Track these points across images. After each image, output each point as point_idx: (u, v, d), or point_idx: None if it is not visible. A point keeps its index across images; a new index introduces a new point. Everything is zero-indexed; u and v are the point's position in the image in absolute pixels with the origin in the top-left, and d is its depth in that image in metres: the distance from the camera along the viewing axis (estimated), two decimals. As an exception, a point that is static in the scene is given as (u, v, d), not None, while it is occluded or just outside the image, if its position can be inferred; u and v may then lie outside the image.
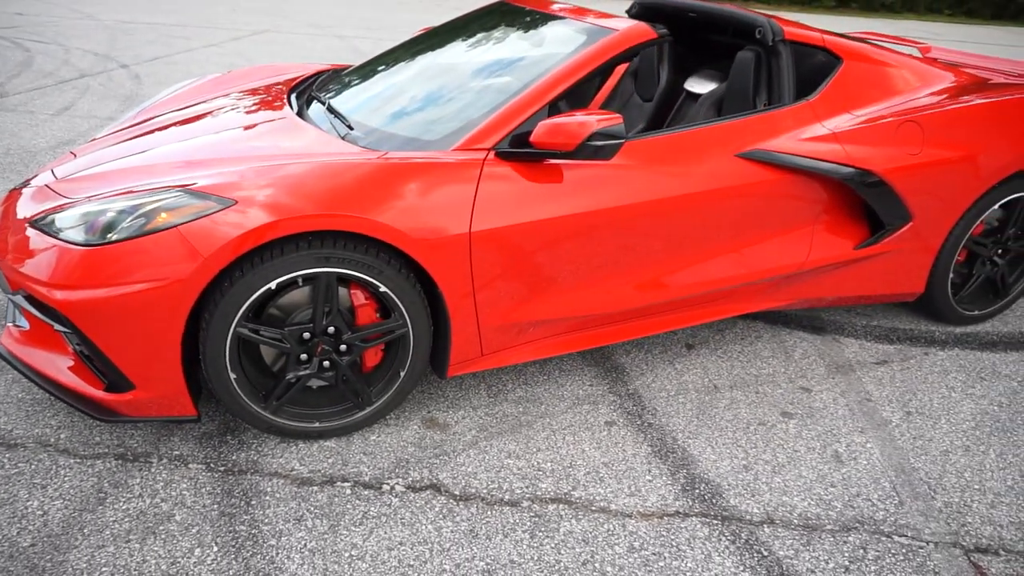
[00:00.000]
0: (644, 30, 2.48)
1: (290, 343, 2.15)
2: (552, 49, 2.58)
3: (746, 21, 2.79)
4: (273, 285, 2.04)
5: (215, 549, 1.92)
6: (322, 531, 1.99)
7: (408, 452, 2.30)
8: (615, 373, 2.76)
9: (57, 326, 2.07)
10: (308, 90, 2.97)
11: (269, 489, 2.13)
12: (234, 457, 2.24)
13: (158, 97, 3.23)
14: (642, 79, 3.57)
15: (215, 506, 2.05)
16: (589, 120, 2.10)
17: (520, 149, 2.22)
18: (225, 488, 2.12)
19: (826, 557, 2.00)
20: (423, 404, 2.52)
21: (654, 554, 1.98)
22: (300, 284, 2.11)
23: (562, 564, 1.93)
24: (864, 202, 2.77)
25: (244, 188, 2.02)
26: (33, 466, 2.15)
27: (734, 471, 2.30)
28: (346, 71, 3.19)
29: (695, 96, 3.24)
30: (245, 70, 3.44)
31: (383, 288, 2.15)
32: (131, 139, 2.68)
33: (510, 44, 2.80)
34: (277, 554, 1.91)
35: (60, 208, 2.18)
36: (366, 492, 2.14)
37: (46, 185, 2.40)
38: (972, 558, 2.01)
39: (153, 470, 2.17)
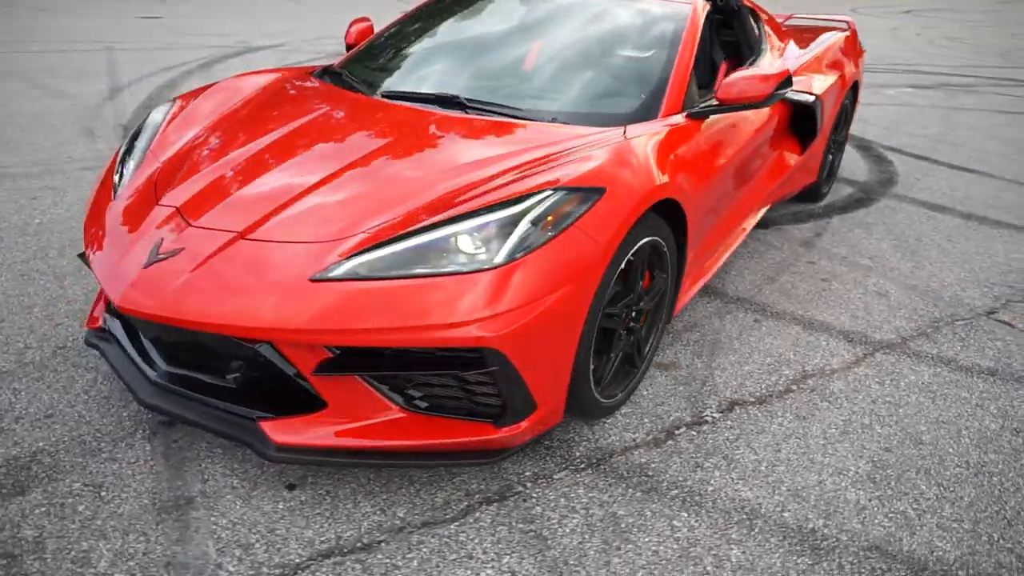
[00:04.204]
0: (707, 4, 3.00)
1: (623, 319, 2.21)
2: (633, 18, 2.93)
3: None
4: (623, 264, 2.10)
5: (703, 517, 1.99)
6: (727, 467, 2.20)
7: (681, 391, 2.55)
8: (705, 290, 3.30)
9: (458, 373, 1.79)
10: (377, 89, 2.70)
11: (644, 461, 2.20)
12: (577, 453, 2.22)
13: (159, 126, 2.54)
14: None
15: (635, 491, 2.07)
16: (774, 73, 2.57)
17: (712, 107, 2.59)
18: (616, 476, 2.13)
19: (955, 344, 2.95)
20: (638, 356, 2.74)
21: (892, 381, 2.68)
22: (632, 259, 2.18)
23: (865, 409, 2.50)
24: (788, 121, 3.78)
25: (600, 174, 2.01)
26: (426, 551, 1.84)
27: (852, 320, 3.10)
28: (390, 60, 2.94)
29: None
30: (232, 85, 2.84)
31: (665, 248, 2.35)
32: (261, 172, 2.19)
33: (601, 15, 3.00)
34: (735, 492, 2.08)
35: (363, 245, 1.83)
36: (703, 428, 2.37)
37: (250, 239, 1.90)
38: (995, 317, 3.19)
39: (536, 495, 2.04)
